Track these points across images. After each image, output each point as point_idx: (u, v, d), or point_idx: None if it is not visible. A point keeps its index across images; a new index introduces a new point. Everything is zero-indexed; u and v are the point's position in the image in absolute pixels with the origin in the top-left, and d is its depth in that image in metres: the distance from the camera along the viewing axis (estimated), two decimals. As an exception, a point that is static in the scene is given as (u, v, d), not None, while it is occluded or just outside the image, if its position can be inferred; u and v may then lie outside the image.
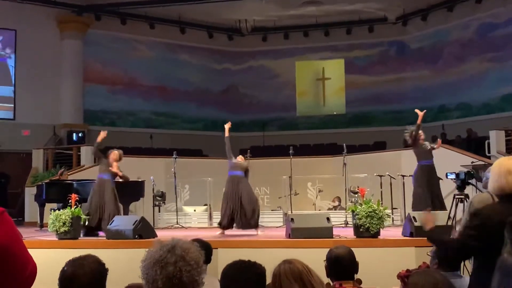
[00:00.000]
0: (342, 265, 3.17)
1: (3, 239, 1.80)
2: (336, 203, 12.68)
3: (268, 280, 3.16)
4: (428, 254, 3.69)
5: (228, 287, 2.49)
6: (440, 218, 6.98)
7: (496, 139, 12.25)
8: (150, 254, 2.23)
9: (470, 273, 4.97)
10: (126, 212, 10.42)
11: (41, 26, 16.95)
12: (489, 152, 12.34)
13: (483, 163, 10.73)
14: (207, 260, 4.48)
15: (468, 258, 3.00)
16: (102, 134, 8.98)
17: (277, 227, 10.46)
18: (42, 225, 10.83)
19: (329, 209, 12.83)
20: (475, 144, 14.12)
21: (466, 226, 3.00)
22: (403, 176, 10.93)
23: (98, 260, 2.35)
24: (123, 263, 5.69)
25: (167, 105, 19.24)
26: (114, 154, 9.07)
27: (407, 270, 2.04)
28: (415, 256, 6.67)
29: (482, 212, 2.94)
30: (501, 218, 2.81)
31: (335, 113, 20.03)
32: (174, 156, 11.52)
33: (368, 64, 19.72)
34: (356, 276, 3.27)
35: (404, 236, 7.41)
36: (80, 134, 16.74)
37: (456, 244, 2.95)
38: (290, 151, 11.36)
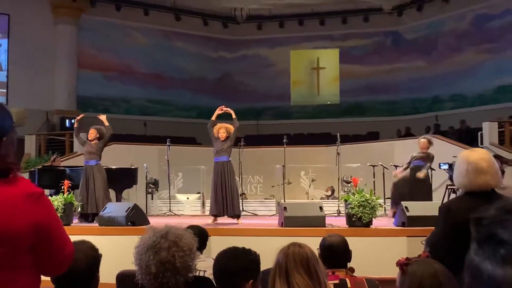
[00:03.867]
0: (336, 253, 3.18)
1: (43, 218, 1.82)
2: (329, 193, 12.72)
3: (263, 266, 3.16)
4: (422, 243, 3.70)
5: (221, 275, 2.49)
6: (431, 208, 7.02)
7: (489, 130, 12.29)
8: (144, 240, 2.24)
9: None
10: (119, 199, 10.42)
11: (35, 10, 16.80)
12: (482, 143, 12.38)
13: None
14: (203, 246, 4.49)
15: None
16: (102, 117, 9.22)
17: (270, 215, 10.49)
18: (34, 211, 10.78)
19: (321, 198, 12.87)
20: (468, 135, 14.16)
21: (434, 232, 2.98)
22: (396, 166, 10.92)
23: (92, 246, 2.35)
24: (116, 250, 5.69)
25: (161, 92, 19.17)
26: (90, 133, 9.11)
27: (407, 258, 2.02)
28: (407, 246, 6.71)
29: (447, 209, 2.91)
30: (466, 214, 2.78)
31: (329, 102, 20.03)
32: (167, 143, 11.49)
33: (363, 54, 19.70)
34: (349, 265, 3.28)
35: (396, 226, 7.44)
36: (73, 121, 16.58)
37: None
38: (284, 140, 11.34)
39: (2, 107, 1.86)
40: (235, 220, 8.58)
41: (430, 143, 9.21)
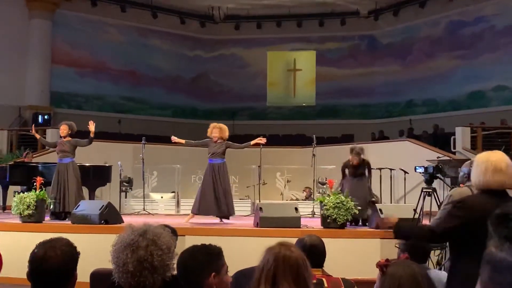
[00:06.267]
0: (316, 254, 3.20)
1: None
2: (305, 194, 12.76)
3: (240, 266, 3.16)
4: (396, 246, 3.74)
5: (183, 274, 2.47)
6: (405, 211, 7.11)
7: (461, 135, 12.48)
8: (121, 238, 2.21)
9: (435, 265, 5.09)
10: (92, 197, 10.30)
11: (9, 4, 16.50)
12: (454, 148, 12.58)
13: (449, 158, 10.94)
14: None
15: (447, 241, 3.08)
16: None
17: (245, 215, 10.49)
18: (5, 208, 10.60)
19: (296, 199, 12.92)
20: (441, 140, 14.36)
21: (448, 212, 3.09)
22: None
23: (70, 243, 2.30)
24: (89, 248, 5.60)
25: (136, 90, 19.00)
26: (61, 129, 8.93)
27: (387, 260, 2.03)
28: (380, 247, 6.78)
29: (465, 202, 3.03)
30: (484, 209, 2.89)
31: (304, 104, 20.12)
32: (142, 141, 11.39)
33: (339, 57, 19.84)
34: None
35: (370, 227, 7.52)
36: (46, 116, 16.40)
37: (437, 229, 3.04)
38: (260, 141, 11.31)
39: None
40: (217, 220, 8.59)
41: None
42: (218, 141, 8.57)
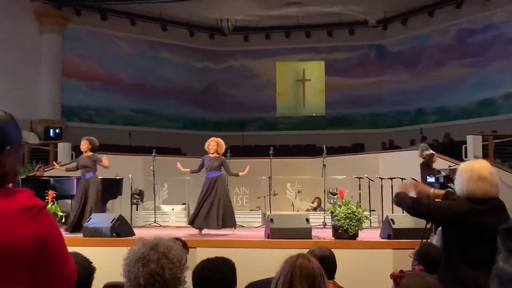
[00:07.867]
0: (326, 265, 3.18)
1: (43, 233, 1.76)
2: (315, 204, 12.71)
3: (251, 277, 3.15)
4: (410, 256, 3.72)
5: (214, 287, 2.47)
6: (417, 221, 7.06)
7: (473, 143, 12.39)
8: (133, 251, 2.21)
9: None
10: (103, 210, 10.33)
11: (20, 19, 16.66)
12: (466, 156, 12.48)
13: (460, 167, 10.85)
14: None
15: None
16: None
17: (256, 227, 10.47)
18: (17, 221, 10.63)
19: (307, 210, 12.88)
20: (452, 148, 14.27)
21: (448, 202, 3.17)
22: (381, 178, 11.00)
23: (86, 258, 2.32)
24: (100, 261, 5.62)
25: (146, 102, 19.10)
26: (82, 144, 9.07)
27: (401, 271, 2.03)
28: (393, 258, 6.74)
29: (457, 202, 3.06)
30: (468, 213, 2.93)
31: (314, 114, 20.11)
32: (153, 154, 11.44)
33: (348, 66, 19.84)
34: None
35: (382, 238, 7.47)
36: (57, 130, 16.50)
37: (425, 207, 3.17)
38: (271, 152, 11.35)
39: (15, 120, 1.83)
40: (231, 231, 8.61)
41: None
42: (214, 155, 8.78)
